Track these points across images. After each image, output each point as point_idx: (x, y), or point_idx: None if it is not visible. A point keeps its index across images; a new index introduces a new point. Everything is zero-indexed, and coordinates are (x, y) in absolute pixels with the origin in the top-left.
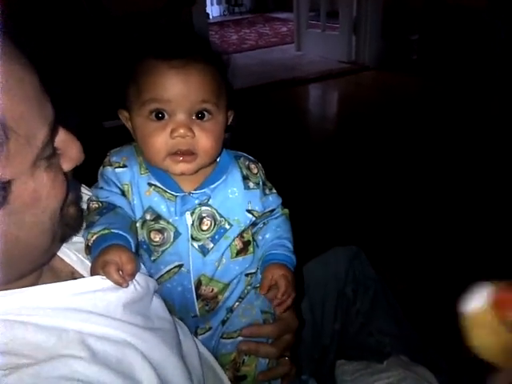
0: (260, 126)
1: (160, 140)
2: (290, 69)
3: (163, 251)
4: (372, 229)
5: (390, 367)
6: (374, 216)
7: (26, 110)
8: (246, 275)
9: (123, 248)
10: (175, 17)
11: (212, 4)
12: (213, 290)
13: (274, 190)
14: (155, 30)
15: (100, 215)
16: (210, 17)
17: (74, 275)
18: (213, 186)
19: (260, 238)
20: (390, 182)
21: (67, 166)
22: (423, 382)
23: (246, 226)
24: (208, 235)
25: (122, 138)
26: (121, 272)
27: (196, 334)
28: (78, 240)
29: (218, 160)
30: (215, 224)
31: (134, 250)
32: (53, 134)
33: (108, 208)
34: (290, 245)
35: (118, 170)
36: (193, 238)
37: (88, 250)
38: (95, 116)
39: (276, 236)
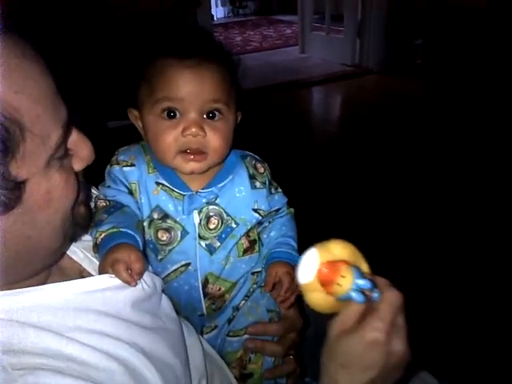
0: (263, 128)
1: (171, 138)
2: (294, 71)
3: (170, 250)
4: (372, 228)
5: None
6: (375, 216)
7: (42, 111)
8: (253, 274)
9: (132, 247)
10: (181, 18)
11: (216, 6)
12: (220, 288)
13: (280, 190)
14: (163, 31)
15: (108, 214)
16: (215, 18)
17: (82, 274)
18: (220, 185)
19: (265, 236)
20: (391, 183)
21: (78, 166)
22: None
23: (252, 225)
24: (215, 234)
25: (125, 138)
26: (129, 271)
27: (202, 333)
28: (86, 238)
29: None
30: (222, 223)
31: (141, 248)
32: (66, 134)
33: (115, 207)
34: (294, 243)
35: (125, 168)
36: (200, 237)
37: (96, 248)
38: (100, 116)
39: (281, 234)
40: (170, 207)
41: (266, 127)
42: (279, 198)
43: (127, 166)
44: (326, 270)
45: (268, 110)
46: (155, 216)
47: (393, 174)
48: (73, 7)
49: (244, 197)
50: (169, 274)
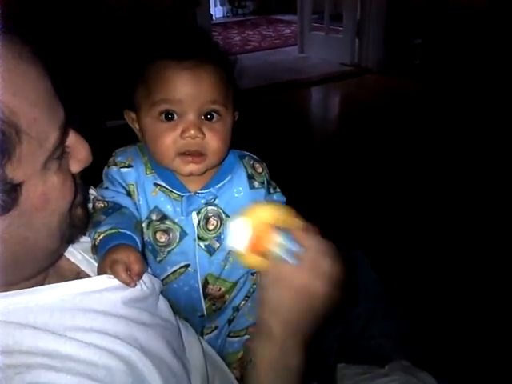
0: (262, 127)
1: (169, 140)
2: (293, 71)
3: (169, 251)
4: (371, 228)
5: (391, 371)
6: (373, 215)
7: (39, 113)
8: (253, 274)
9: (131, 248)
10: (180, 18)
11: (215, 5)
12: (220, 289)
13: (279, 189)
14: (162, 31)
15: (106, 215)
16: (213, 18)
17: (79, 275)
18: (218, 186)
19: None
20: (390, 183)
21: (76, 167)
22: None
23: None
24: (214, 235)
25: (124, 138)
26: (128, 272)
27: (202, 334)
28: (84, 240)
29: None
30: (221, 223)
31: (140, 250)
32: (63, 136)
33: (114, 208)
34: None
35: (123, 169)
36: (199, 238)
37: (95, 249)
38: (98, 115)
39: None
40: (168, 208)
41: (265, 127)
42: (278, 198)
43: (125, 167)
44: (255, 237)
45: (267, 109)
46: (154, 217)
47: (392, 174)
48: (72, 6)
49: (243, 197)
50: (168, 276)
